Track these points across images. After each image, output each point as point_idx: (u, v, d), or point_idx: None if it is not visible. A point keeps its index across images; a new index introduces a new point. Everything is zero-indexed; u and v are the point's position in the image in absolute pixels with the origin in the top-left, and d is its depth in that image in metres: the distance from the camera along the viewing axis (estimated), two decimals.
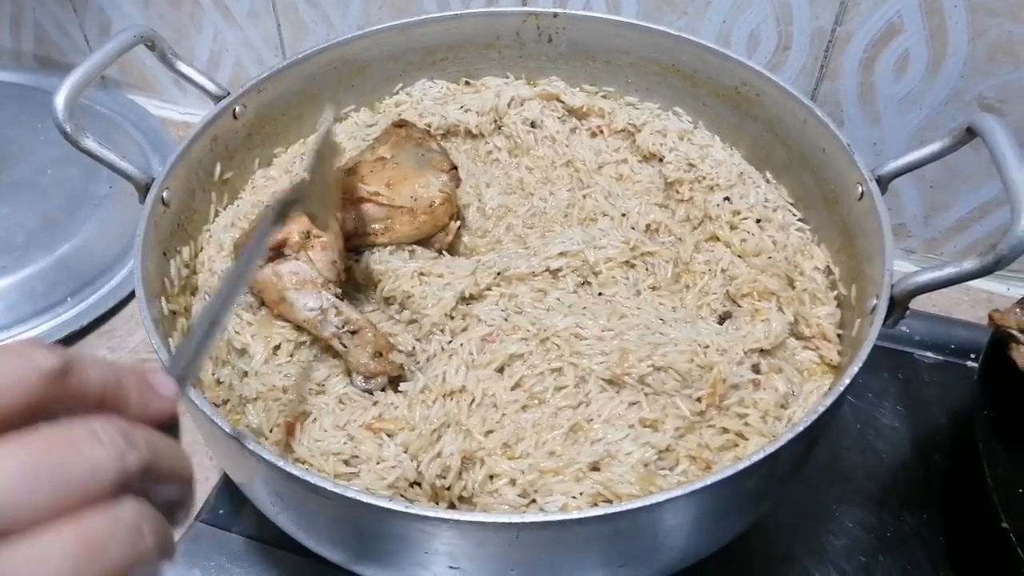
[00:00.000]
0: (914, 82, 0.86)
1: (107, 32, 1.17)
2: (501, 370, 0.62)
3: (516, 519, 0.48)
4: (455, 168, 0.77)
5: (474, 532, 0.49)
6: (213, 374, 0.67)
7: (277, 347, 0.66)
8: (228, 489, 0.78)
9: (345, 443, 0.59)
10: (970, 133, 0.61)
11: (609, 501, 0.55)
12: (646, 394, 0.60)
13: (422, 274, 0.68)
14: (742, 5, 0.88)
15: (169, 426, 0.37)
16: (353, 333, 0.64)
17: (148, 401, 0.36)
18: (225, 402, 0.66)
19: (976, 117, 0.60)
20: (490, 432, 0.59)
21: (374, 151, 0.77)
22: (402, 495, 0.57)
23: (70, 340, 0.93)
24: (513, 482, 0.56)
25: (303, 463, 0.58)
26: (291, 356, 0.66)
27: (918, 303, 0.82)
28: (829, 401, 0.53)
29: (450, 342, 0.64)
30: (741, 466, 0.50)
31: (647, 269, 0.71)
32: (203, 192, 0.76)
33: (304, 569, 0.71)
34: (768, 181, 0.79)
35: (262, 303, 0.68)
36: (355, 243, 0.72)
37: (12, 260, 0.94)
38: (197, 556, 0.73)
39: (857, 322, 0.64)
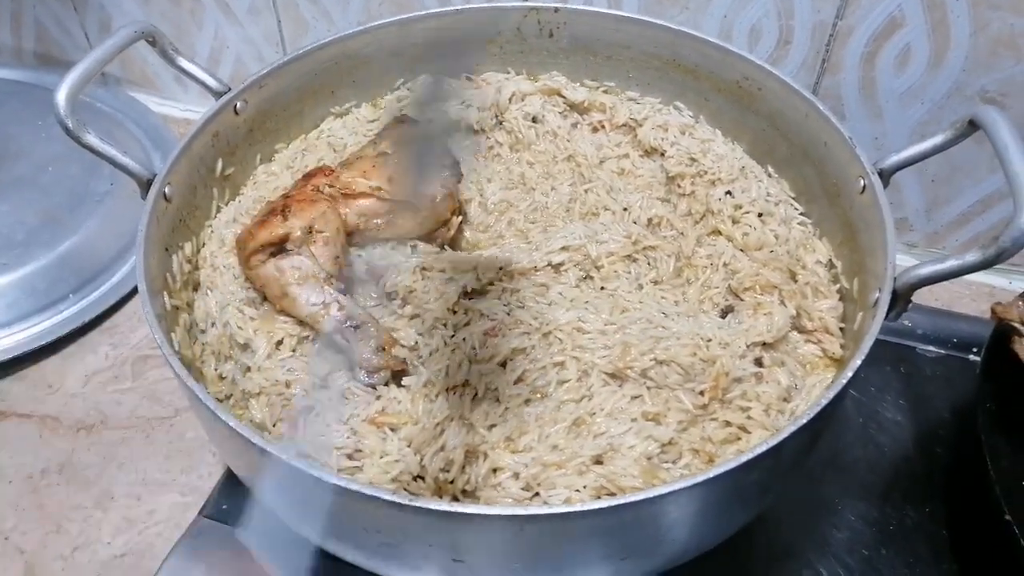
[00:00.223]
0: (916, 76, 0.86)
1: (107, 29, 1.17)
2: (504, 364, 0.62)
3: (520, 512, 0.48)
4: (457, 163, 0.77)
5: (477, 525, 0.49)
6: (216, 369, 0.67)
7: (280, 342, 0.66)
8: (232, 484, 0.78)
9: (348, 437, 0.59)
10: (972, 126, 0.61)
11: (612, 494, 0.55)
12: (649, 388, 0.60)
13: (424, 269, 0.68)
14: None
15: None
16: (356, 328, 0.65)
17: None
18: (228, 397, 0.66)
19: (978, 110, 0.59)
20: (493, 426, 0.59)
21: (376, 146, 0.77)
22: (405, 489, 0.57)
23: (72, 337, 0.93)
24: (516, 476, 0.57)
25: (306, 457, 0.58)
26: (294, 351, 0.66)
27: (920, 297, 0.82)
28: (832, 394, 0.53)
29: (452, 336, 0.64)
30: (744, 459, 0.50)
31: (649, 263, 0.71)
32: (204, 188, 0.76)
33: (307, 563, 0.71)
34: (770, 175, 0.79)
35: (264, 298, 0.68)
36: (357, 239, 0.72)
37: (13, 257, 0.94)
38: (201, 551, 0.73)
39: (859, 315, 0.64)
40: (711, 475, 0.49)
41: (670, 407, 0.59)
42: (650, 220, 0.75)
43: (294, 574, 0.71)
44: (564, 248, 0.69)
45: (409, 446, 0.58)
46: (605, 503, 0.47)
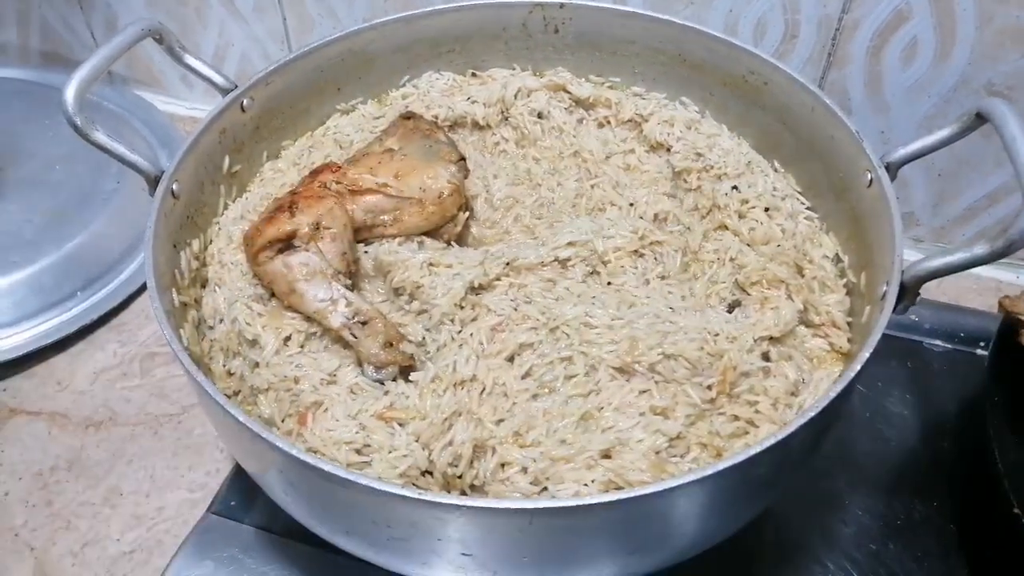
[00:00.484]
0: (922, 70, 0.86)
1: (113, 28, 1.17)
2: (511, 359, 0.62)
3: (529, 505, 0.48)
4: (463, 159, 0.77)
5: (486, 518, 0.49)
6: (224, 366, 0.67)
7: (288, 338, 0.66)
8: (240, 481, 0.78)
9: (357, 432, 0.59)
10: (979, 119, 0.61)
11: (620, 488, 0.55)
12: (656, 382, 0.60)
13: (431, 264, 0.68)
14: None
15: None
16: (363, 324, 0.65)
17: None
18: (236, 393, 0.67)
19: (986, 102, 0.59)
20: (501, 421, 0.59)
21: (382, 143, 0.77)
22: (414, 484, 0.58)
23: (80, 335, 0.93)
24: (524, 470, 0.57)
25: (315, 452, 0.59)
26: (302, 347, 0.66)
27: (927, 292, 0.82)
28: (840, 388, 0.53)
29: (460, 332, 0.64)
30: (751, 452, 0.50)
31: (656, 258, 0.71)
32: (212, 185, 0.76)
33: (316, 559, 0.72)
34: (776, 170, 0.79)
35: (272, 294, 0.68)
36: (364, 235, 0.72)
37: (21, 256, 0.95)
38: (209, 548, 0.73)
39: (867, 309, 0.64)
40: (719, 468, 0.49)
41: (678, 401, 0.59)
42: (656, 215, 0.75)
43: (302, 570, 0.71)
44: (571, 243, 0.69)
45: (417, 441, 0.58)
46: (614, 496, 0.47)
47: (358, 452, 0.59)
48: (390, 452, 0.58)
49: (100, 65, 0.67)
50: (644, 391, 0.60)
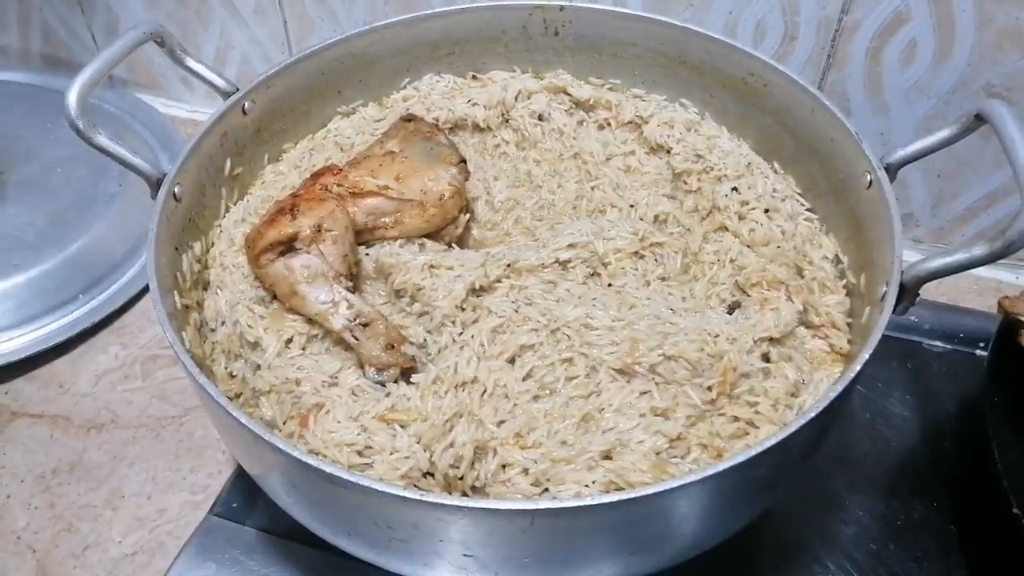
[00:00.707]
0: (921, 71, 0.86)
1: (115, 31, 1.17)
2: (512, 361, 0.62)
3: (530, 506, 0.48)
4: (464, 161, 0.77)
5: (488, 519, 0.49)
6: (226, 368, 0.68)
7: (289, 340, 0.66)
8: (241, 483, 0.78)
9: (358, 434, 0.59)
10: (979, 120, 0.61)
11: (621, 489, 0.55)
12: (657, 383, 0.60)
13: (432, 266, 0.68)
14: None
15: None
16: (365, 326, 0.65)
17: None
18: (238, 395, 0.67)
19: (985, 103, 0.60)
20: (502, 422, 0.59)
21: (383, 145, 0.78)
22: (415, 485, 0.58)
23: (82, 337, 0.93)
24: (525, 471, 0.57)
25: (317, 454, 0.59)
26: (303, 349, 0.66)
27: (927, 292, 0.82)
28: (840, 388, 0.53)
29: (461, 334, 0.64)
30: (752, 453, 0.50)
31: (656, 260, 0.71)
32: (213, 188, 0.76)
33: (317, 561, 0.72)
34: (776, 171, 0.79)
35: (274, 297, 0.69)
36: (365, 237, 0.72)
37: (23, 258, 0.95)
38: (211, 549, 0.74)
39: (867, 310, 0.65)
40: (719, 469, 0.49)
41: (678, 402, 0.60)
42: (656, 217, 0.76)
43: (304, 572, 0.72)
44: (571, 245, 0.69)
45: (419, 442, 0.59)
46: (614, 497, 0.48)
47: (360, 454, 0.59)
48: (391, 454, 0.58)
49: (102, 68, 0.68)
50: (645, 392, 0.60)
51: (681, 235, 0.74)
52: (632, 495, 0.47)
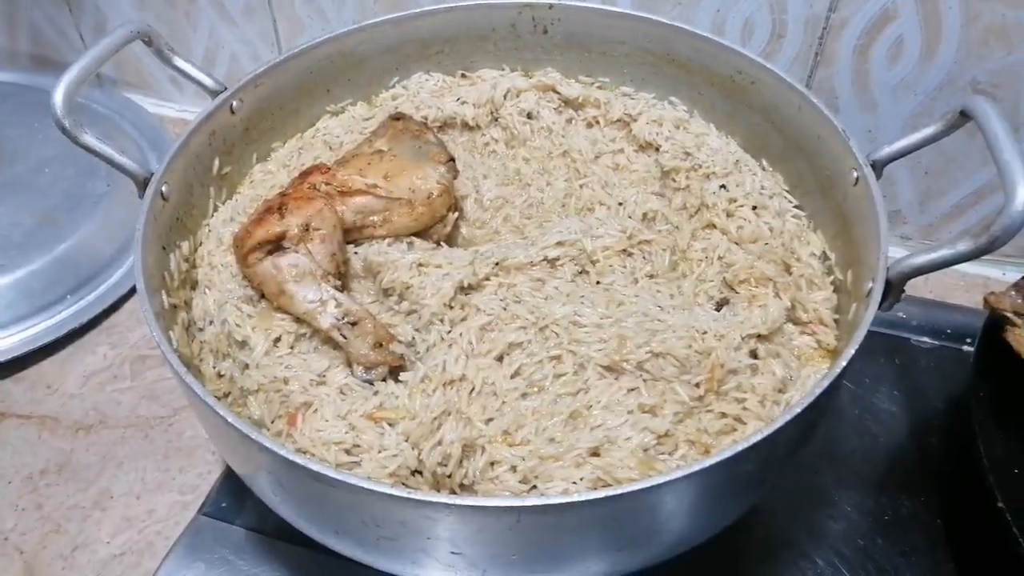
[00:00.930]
0: (908, 68, 0.87)
1: (103, 30, 1.17)
2: (500, 359, 0.62)
3: (516, 503, 0.48)
4: (452, 160, 0.77)
5: (475, 517, 0.49)
6: (214, 367, 0.67)
7: (277, 339, 0.66)
8: (231, 482, 0.78)
9: (346, 433, 0.59)
10: (964, 116, 0.61)
11: (609, 486, 0.55)
12: (645, 380, 0.61)
13: (421, 265, 0.68)
14: None
15: None
16: (353, 324, 0.65)
17: None
18: (227, 395, 0.67)
19: (969, 100, 0.60)
20: (490, 420, 0.59)
21: (371, 144, 0.78)
22: (404, 484, 0.58)
23: (70, 338, 0.93)
24: (514, 469, 0.57)
25: (305, 453, 0.59)
26: (292, 348, 0.66)
27: (914, 289, 0.82)
28: (826, 383, 0.54)
29: (449, 332, 0.64)
30: (738, 448, 0.50)
31: (644, 257, 0.71)
32: (201, 187, 0.76)
33: (306, 560, 0.72)
34: (764, 168, 0.80)
35: (262, 296, 0.68)
36: (354, 236, 0.72)
37: (10, 259, 0.94)
38: (200, 549, 0.73)
39: (853, 306, 0.65)
40: (706, 465, 0.49)
41: (666, 399, 0.60)
42: (645, 214, 0.76)
43: (294, 571, 0.72)
44: (560, 243, 0.69)
45: (407, 441, 0.59)
46: (601, 493, 0.48)
47: (348, 452, 0.59)
48: (380, 452, 0.58)
49: (89, 67, 0.67)
50: (632, 389, 0.60)
51: (669, 232, 0.74)
52: (618, 491, 0.48)
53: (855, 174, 0.67)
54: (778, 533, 0.74)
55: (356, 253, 0.72)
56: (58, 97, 0.65)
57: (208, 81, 0.77)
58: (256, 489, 0.62)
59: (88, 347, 0.93)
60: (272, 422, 0.62)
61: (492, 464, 0.57)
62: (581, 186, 0.79)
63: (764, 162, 0.80)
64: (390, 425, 0.60)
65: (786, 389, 0.63)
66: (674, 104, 0.86)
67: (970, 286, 0.96)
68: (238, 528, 0.75)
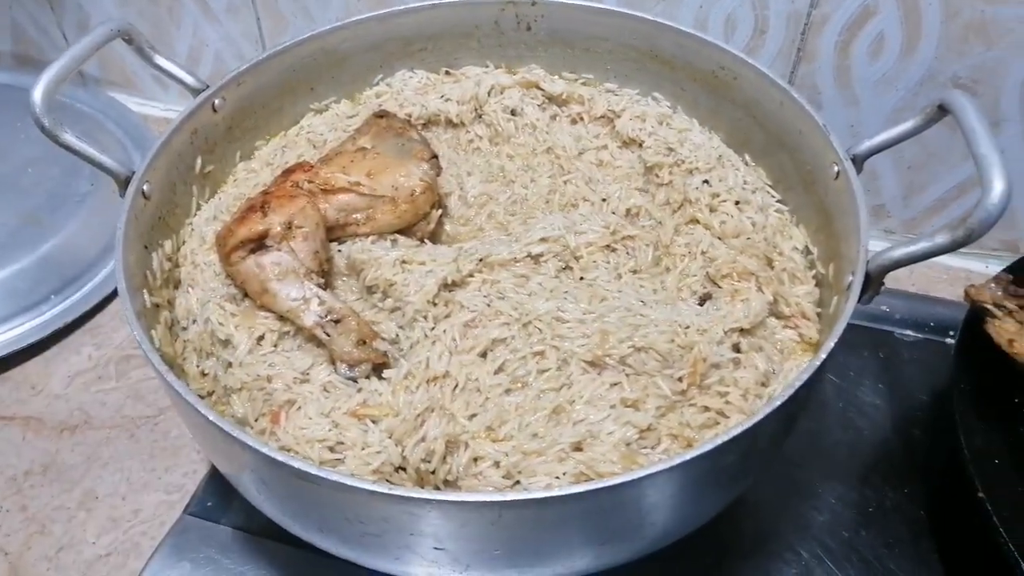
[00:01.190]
0: (889, 63, 0.87)
1: (85, 29, 1.16)
2: (484, 355, 0.63)
3: (497, 498, 0.48)
4: (435, 156, 0.77)
5: (457, 512, 0.50)
6: (198, 366, 0.67)
7: (261, 337, 0.66)
8: (216, 481, 0.78)
9: (330, 430, 0.59)
10: (942, 111, 0.62)
11: (592, 480, 0.55)
12: (627, 375, 0.61)
13: (404, 262, 0.68)
14: None
15: None
16: (336, 322, 0.65)
17: None
18: (210, 393, 0.67)
19: (947, 94, 0.60)
20: (474, 416, 0.59)
21: (355, 142, 0.77)
22: (388, 480, 0.58)
23: (55, 338, 0.93)
24: (497, 464, 0.57)
25: (288, 451, 0.59)
26: (275, 346, 0.66)
27: (898, 282, 0.83)
28: (806, 376, 0.54)
29: (433, 328, 0.64)
30: (719, 441, 0.50)
31: (628, 253, 0.71)
32: (184, 186, 0.76)
33: (293, 558, 0.72)
34: (747, 163, 0.80)
35: (245, 294, 0.68)
36: (337, 233, 0.72)
37: None
38: (186, 548, 0.73)
39: (834, 300, 0.65)
40: (687, 458, 0.50)
41: (648, 393, 0.60)
42: (628, 210, 0.76)
43: (280, 570, 0.71)
44: (543, 239, 0.69)
45: (390, 437, 0.59)
46: (581, 488, 0.48)
47: (331, 450, 0.59)
48: (363, 449, 0.58)
49: (68, 66, 0.67)
50: (615, 384, 0.60)
51: (653, 228, 0.74)
52: (597, 485, 0.48)
53: (836, 168, 0.67)
54: (763, 526, 0.74)
55: (339, 251, 0.71)
56: (37, 96, 0.64)
57: (189, 79, 0.77)
58: (240, 488, 0.62)
59: (73, 347, 0.93)
60: (256, 420, 0.62)
61: (475, 460, 0.58)
62: (565, 182, 0.79)
63: (747, 157, 0.80)
64: (373, 422, 0.60)
65: (769, 383, 0.64)
66: (657, 100, 0.86)
67: (953, 279, 0.96)
68: (224, 527, 0.75)
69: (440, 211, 0.76)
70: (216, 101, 0.77)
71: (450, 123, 0.86)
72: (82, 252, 0.98)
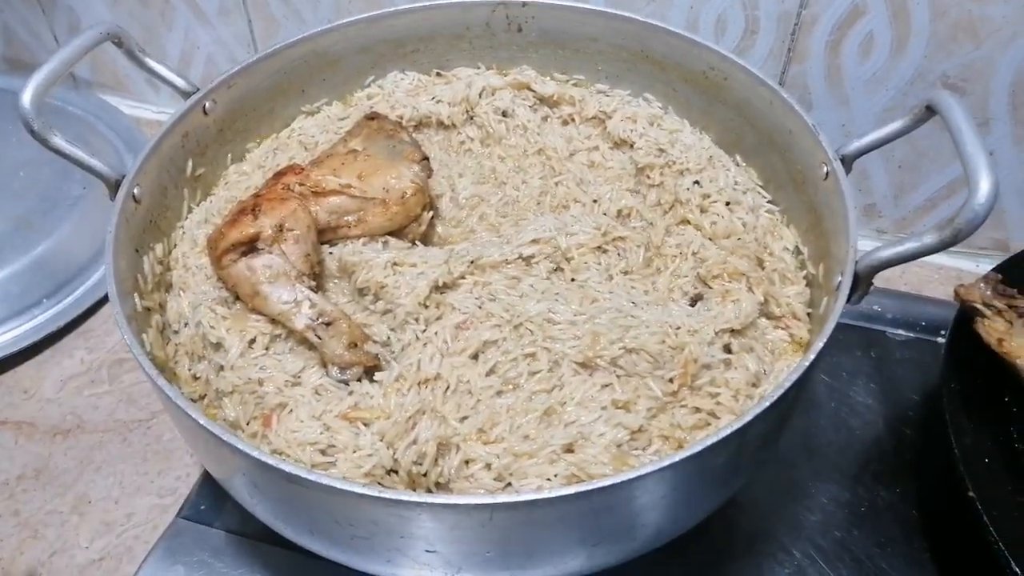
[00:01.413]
0: (879, 63, 0.87)
1: (77, 31, 1.15)
2: (475, 357, 0.63)
3: (488, 500, 0.48)
4: (426, 159, 0.77)
5: (448, 515, 0.50)
6: (190, 370, 0.67)
7: (252, 341, 0.66)
8: (209, 485, 0.78)
9: (321, 433, 0.59)
10: (929, 111, 0.62)
11: (583, 482, 0.55)
12: (618, 376, 0.61)
13: (395, 264, 0.68)
14: None
15: None
16: (327, 325, 0.65)
17: None
18: (202, 397, 0.66)
19: (935, 94, 0.61)
20: (465, 418, 0.59)
21: (346, 144, 0.77)
22: (379, 483, 0.58)
23: (47, 342, 0.92)
24: (488, 466, 0.57)
25: (280, 454, 0.59)
26: (266, 349, 0.66)
27: (890, 282, 0.83)
28: (795, 376, 0.54)
29: (424, 331, 0.64)
30: (710, 442, 0.51)
31: (619, 254, 0.71)
32: (175, 189, 0.76)
33: (286, 561, 0.72)
34: (738, 164, 0.80)
35: (237, 297, 0.68)
36: (329, 236, 0.72)
37: None
38: (179, 552, 0.73)
39: (824, 300, 0.65)
40: (677, 459, 0.50)
41: (639, 395, 0.60)
42: (620, 211, 0.76)
43: (273, 573, 0.71)
44: (535, 241, 0.69)
45: (382, 440, 0.59)
46: (571, 489, 0.48)
47: (323, 453, 0.59)
48: (355, 452, 0.58)
49: (57, 69, 0.67)
50: (606, 385, 0.60)
51: (644, 229, 0.74)
52: (587, 487, 0.48)
53: (825, 168, 0.68)
54: (755, 526, 0.74)
55: (331, 253, 0.71)
56: (26, 99, 0.64)
57: (180, 82, 0.77)
58: (232, 491, 0.62)
59: (65, 351, 0.92)
60: (247, 423, 0.62)
61: (467, 462, 0.58)
62: (556, 184, 0.79)
63: (738, 157, 0.81)
64: (365, 425, 0.60)
65: (759, 383, 0.64)
66: (649, 101, 0.86)
67: (945, 279, 0.97)
68: (217, 530, 0.75)
69: (431, 213, 0.76)
70: (207, 104, 0.77)
71: (441, 125, 0.86)
72: (74, 255, 0.98)
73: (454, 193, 0.80)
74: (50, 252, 0.96)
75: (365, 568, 0.59)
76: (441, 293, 0.67)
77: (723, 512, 0.64)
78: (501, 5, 0.86)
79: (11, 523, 0.78)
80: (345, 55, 0.86)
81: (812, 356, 0.55)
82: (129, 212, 0.67)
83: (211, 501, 0.77)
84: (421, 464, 0.58)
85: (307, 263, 0.68)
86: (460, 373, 0.61)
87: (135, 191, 0.68)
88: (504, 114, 0.85)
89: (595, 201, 0.77)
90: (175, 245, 0.75)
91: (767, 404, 0.52)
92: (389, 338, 0.66)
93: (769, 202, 0.77)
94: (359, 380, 0.63)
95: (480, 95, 0.86)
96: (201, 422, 0.53)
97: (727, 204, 0.75)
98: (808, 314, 0.69)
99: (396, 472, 0.58)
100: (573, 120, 0.86)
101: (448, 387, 0.61)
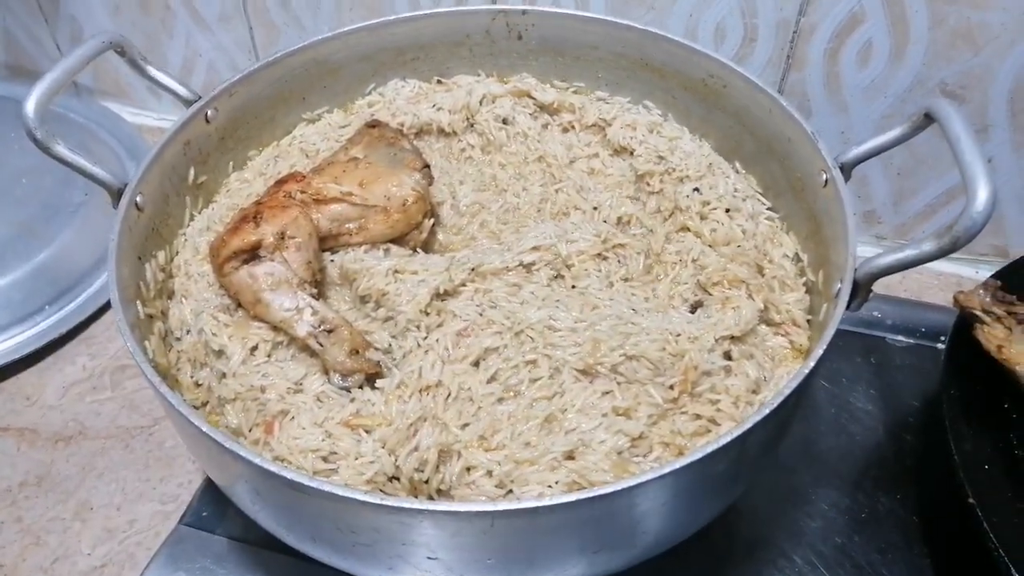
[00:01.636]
0: (878, 70, 0.88)
1: (79, 40, 1.17)
2: (476, 364, 0.63)
3: (489, 507, 0.49)
4: (427, 166, 0.77)
5: (449, 522, 0.50)
6: (192, 377, 0.68)
7: (254, 348, 0.66)
8: (211, 491, 0.78)
9: (323, 440, 0.60)
10: (928, 118, 0.62)
11: (584, 489, 0.56)
12: (619, 383, 0.61)
13: (397, 272, 0.68)
14: None
15: None
16: (329, 332, 0.65)
17: None
18: (204, 404, 0.67)
19: (933, 102, 0.61)
20: (466, 425, 0.60)
21: (347, 152, 0.78)
22: (381, 490, 0.58)
23: (49, 349, 0.93)
24: (490, 473, 0.57)
25: (282, 461, 0.59)
26: (268, 356, 0.66)
27: (890, 288, 0.83)
28: (795, 383, 0.54)
29: (426, 338, 0.64)
30: (710, 449, 0.51)
31: (619, 261, 0.72)
32: (177, 196, 0.76)
33: (288, 568, 0.72)
34: (737, 171, 0.81)
35: (239, 305, 0.69)
36: (330, 243, 0.72)
37: None
38: (181, 559, 0.73)
39: (824, 307, 0.66)
40: (678, 466, 0.50)
41: (640, 401, 0.60)
42: (620, 218, 0.76)
43: None
44: (535, 248, 0.70)
45: (384, 447, 0.59)
46: (572, 496, 0.48)
47: (325, 460, 0.59)
48: (356, 459, 0.58)
49: (61, 78, 0.67)
50: (607, 392, 0.61)
51: (644, 236, 0.75)
52: (588, 494, 0.48)
53: (824, 176, 0.68)
54: (756, 532, 0.74)
55: (332, 261, 0.72)
56: (29, 108, 0.65)
57: (182, 90, 0.77)
58: (234, 498, 0.62)
59: (67, 358, 0.93)
60: (249, 430, 0.63)
61: (468, 469, 0.58)
62: (556, 191, 0.80)
63: (738, 164, 0.81)
64: (367, 432, 0.60)
65: (760, 390, 0.64)
66: (649, 108, 0.87)
67: (945, 285, 0.97)
68: (220, 537, 0.75)
69: (432, 220, 0.76)
70: (208, 112, 0.78)
71: (442, 132, 0.87)
72: (76, 262, 0.98)
73: (455, 200, 0.80)
74: (52, 259, 0.97)
75: (367, 575, 0.59)
76: (442, 300, 0.67)
77: (724, 519, 0.64)
78: (501, 13, 0.86)
79: (13, 530, 0.78)
80: (346, 63, 0.87)
81: (812, 363, 0.55)
82: (132, 220, 0.68)
83: (213, 508, 0.77)
84: (423, 471, 0.58)
85: (309, 270, 0.68)
86: (461, 380, 0.62)
87: (138, 199, 0.69)
88: (504, 121, 0.86)
89: (595, 208, 0.78)
90: (177, 252, 0.75)
91: (767, 411, 0.53)
92: (390, 345, 0.66)
93: (769, 209, 0.78)
94: (361, 387, 0.64)
95: (481, 102, 0.86)
96: (203, 429, 0.53)
97: (727, 211, 0.75)
98: (808, 321, 0.69)
99: (398, 479, 0.59)
100: (573, 127, 0.87)
101: (449, 394, 0.61)
